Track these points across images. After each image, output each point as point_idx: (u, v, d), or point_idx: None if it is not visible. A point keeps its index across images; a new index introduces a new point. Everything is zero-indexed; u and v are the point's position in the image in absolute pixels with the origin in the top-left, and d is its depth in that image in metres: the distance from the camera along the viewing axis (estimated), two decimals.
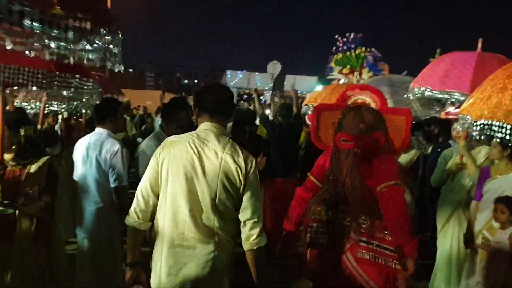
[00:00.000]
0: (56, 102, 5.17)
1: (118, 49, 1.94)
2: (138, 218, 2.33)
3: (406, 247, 2.76)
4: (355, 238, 2.91)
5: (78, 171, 3.62)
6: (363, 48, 16.85)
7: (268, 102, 25.71)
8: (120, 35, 1.80)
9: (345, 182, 2.91)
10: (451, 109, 5.08)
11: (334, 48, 18.54)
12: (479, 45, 4.31)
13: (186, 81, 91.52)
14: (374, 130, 2.88)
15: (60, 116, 6.26)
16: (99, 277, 3.51)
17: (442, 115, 5.36)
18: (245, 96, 34.85)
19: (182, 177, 2.26)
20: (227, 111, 2.43)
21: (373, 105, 3.07)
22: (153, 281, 2.35)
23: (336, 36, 18.14)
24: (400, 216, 2.77)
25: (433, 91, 3.97)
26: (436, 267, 4.39)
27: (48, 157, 3.01)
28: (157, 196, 2.33)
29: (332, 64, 17.83)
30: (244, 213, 2.29)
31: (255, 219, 2.28)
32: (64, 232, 5.38)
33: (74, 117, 6.68)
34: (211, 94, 2.40)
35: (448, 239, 4.27)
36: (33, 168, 2.89)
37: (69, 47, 1.83)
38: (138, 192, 2.37)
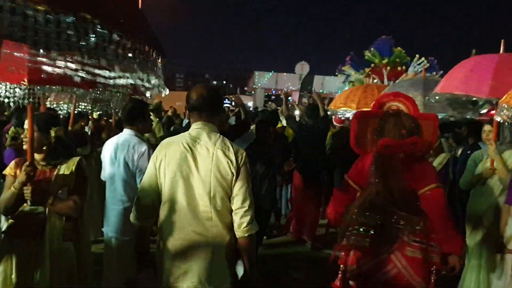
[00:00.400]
0: (85, 104, 5.27)
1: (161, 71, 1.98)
2: (140, 215, 2.55)
3: (451, 244, 2.91)
4: (408, 239, 2.98)
5: (106, 171, 3.69)
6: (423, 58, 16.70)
7: (296, 103, 25.63)
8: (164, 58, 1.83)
9: (390, 186, 2.97)
10: (483, 111, 4.95)
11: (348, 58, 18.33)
12: (502, 46, 4.18)
13: (214, 82, 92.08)
14: (413, 135, 2.97)
15: (90, 117, 6.40)
16: (125, 276, 3.56)
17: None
18: (273, 97, 34.77)
19: (179, 175, 2.42)
20: (212, 108, 2.56)
21: (405, 111, 3.19)
22: (159, 272, 2.53)
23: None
24: (445, 216, 2.94)
25: (454, 96, 3.87)
26: (465, 272, 4.29)
27: (78, 157, 3.06)
28: (157, 195, 2.50)
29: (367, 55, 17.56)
30: (235, 202, 2.43)
31: (245, 208, 2.41)
32: (92, 231, 5.53)
33: (104, 118, 6.83)
34: (195, 94, 2.55)
35: (478, 243, 4.16)
36: (62, 168, 2.94)
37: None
38: (139, 192, 2.58)
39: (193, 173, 2.42)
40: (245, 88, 37.13)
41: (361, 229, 2.99)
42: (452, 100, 4.21)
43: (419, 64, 16.85)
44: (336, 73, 19.63)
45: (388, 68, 17.31)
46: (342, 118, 7.35)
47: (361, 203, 3.05)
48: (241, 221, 2.42)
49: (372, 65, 17.78)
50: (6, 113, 6.56)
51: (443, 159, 5.13)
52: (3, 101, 2.91)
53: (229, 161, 2.42)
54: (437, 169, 5.06)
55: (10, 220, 2.89)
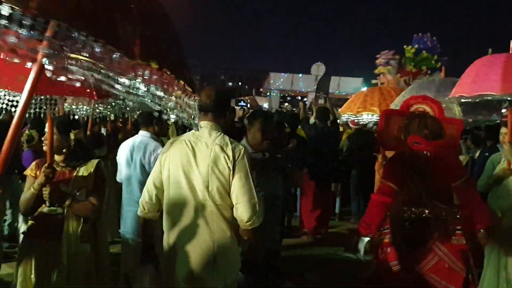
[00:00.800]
0: (103, 106, 5.33)
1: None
2: (145, 209, 2.67)
3: (485, 220, 3.20)
4: (452, 228, 3.21)
5: (122, 173, 3.73)
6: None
7: (312, 104, 25.55)
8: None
9: (428, 182, 3.20)
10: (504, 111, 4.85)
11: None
12: (511, 46, 4.12)
13: (230, 83, 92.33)
14: (436, 137, 3.18)
15: (107, 119, 6.46)
16: (142, 275, 3.59)
17: None
18: (288, 98, 34.73)
19: (181, 171, 2.54)
20: (218, 109, 2.68)
21: (431, 114, 3.39)
22: (163, 263, 2.67)
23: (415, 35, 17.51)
24: (480, 201, 3.30)
25: (465, 98, 3.81)
26: (483, 276, 4.23)
27: (97, 160, 3.09)
28: (161, 191, 2.63)
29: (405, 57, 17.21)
30: (234, 197, 2.51)
31: (243, 202, 2.48)
32: (109, 232, 5.58)
33: (120, 120, 6.90)
34: (203, 95, 2.68)
35: (496, 246, 4.09)
36: (81, 170, 2.98)
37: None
38: (145, 188, 2.71)
39: (193, 168, 2.52)
40: (261, 90, 37.14)
41: (406, 224, 3.25)
42: (469, 104, 4.15)
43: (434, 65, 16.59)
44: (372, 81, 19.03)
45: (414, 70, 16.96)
46: (366, 122, 7.24)
47: (404, 200, 3.24)
48: (241, 217, 2.50)
49: (411, 67, 17.26)
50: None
51: (462, 161, 5.07)
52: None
53: (226, 156, 2.51)
54: None
55: (30, 221, 2.94)
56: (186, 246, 2.54)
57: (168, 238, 2.63)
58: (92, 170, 2.99)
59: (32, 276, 2.81)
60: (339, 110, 8.15)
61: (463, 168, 3.38)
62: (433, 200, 3.21)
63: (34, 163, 3.01)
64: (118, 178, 3.80)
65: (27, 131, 4.47)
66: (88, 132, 5.20)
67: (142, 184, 3.61)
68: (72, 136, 2.98)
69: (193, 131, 2.68)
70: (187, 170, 2.53)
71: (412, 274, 3.22)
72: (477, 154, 6.14)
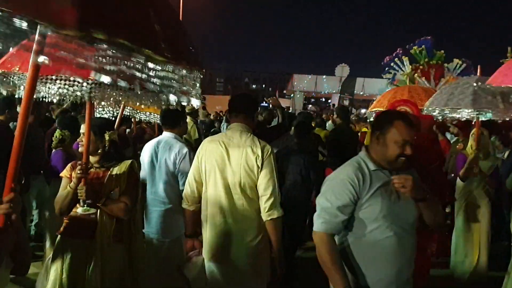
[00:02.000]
0: (129, 108, 5.39)
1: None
2: (189, 202, 3.07)
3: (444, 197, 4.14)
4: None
5: (147, 173, 3.75)
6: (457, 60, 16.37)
7: (336, 105, 25.38)
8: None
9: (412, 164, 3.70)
10: None
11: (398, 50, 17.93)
12: None
13: (254, 86, 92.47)
14: (417, 131, 3.59)
15: (132, 120, 6.53)
16: (164, 277, 3.62)
17: None
18: (312, 100, 34.60)
19: (216, 168, 2.93)
20: (248, 112, 3.08)
21: (411, 113, 3.97)
22: (204, 249, 3.03)
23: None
24: (446, 182, 4.33)
25: (493, 87, 3.80)
26: (508, 276, 4.12)
27: (130, 160, 3.13)
28: (201, 185, 3.02)
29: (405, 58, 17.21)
30: (259, 190, 2.88)
31: (268, 195, 2.85)
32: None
33: (147, 121, 6.96)
34: (234, 101, 3.14)
35: None
36: (115, 170, 3.02)
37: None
38: (186, 183, 3.11)
39: (227, 166, 2.91)
40: (284, 91, 37.07)
41: None
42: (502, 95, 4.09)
43: (458, 67, 16.46)
44: (382, 75, 19.16)
45: (434, 69, 16.85)
46: None
47: None
48: (264, 206, 2.86)
49: (420, 66, 17.26)
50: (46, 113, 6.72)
51: (493, 162, 4.94)
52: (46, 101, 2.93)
53: (256, 156, 2.88)
54: (488, 173, 4.87)
55: (65, 221, 2.98)
56: (222, 231, 2.92)
57: (206, 226, 2.99)
58: (125, 170, 3.02)
59: (64, 276, 2.84)
60: (369, 108, 7.98)
61: (438, 155, 4.15)
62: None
63: (69, 165, 3.07)
64: (141, 179, 3.83)
65: (58, 131, 4.55)
66: (116, 131, 5.26)
67: (166, 184, 3.63)
68: (107, 137, 3.02)
69: (225, 132, 3.05)
70: (221, 168, 2.91)
71: None
72: (506, 154, 5.99)
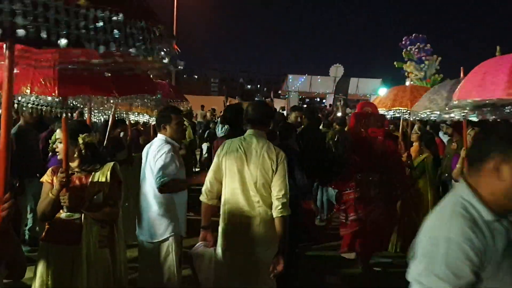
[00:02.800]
0: (123, 110, 5.38)
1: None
2: (207, 197, 3.35)
3: (402, 184, 5.46)
4: (394, 194, 5.49)
5: (141, 175, 3.77)
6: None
7: (331, 105, 25.38)
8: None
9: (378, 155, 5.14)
10: None
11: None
12: None
13: (249, 86, 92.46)
14: (379, 127, 5.26)
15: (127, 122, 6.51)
16: (158, 278, 3.62)
17: None
18: (307, 100, 34.64)
19: (235, 168, 3.25)
20: (264, 122, 3.45)
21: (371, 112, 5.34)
22: (220, 239, 3.30)
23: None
24: (403, 170, 5.61)
25: (470, 102, 3.67)
26: None
27: (112, 163, 3.11)
28: (220, 182, 3.32)
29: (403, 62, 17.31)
30: (273, 190, 3.22)
31: (280, 196, 3.18)
32: (130, 236, 5.62)
33: (143, 123, 6.95)
34: (252, 109, 3.44)
35: None
36: (97, 174, 3.00)
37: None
38: (206, 179, 3.38)
39: (245, 168, 3.24)
40: (279, 92, 37.09)
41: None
42: (476, 106, 4.02)
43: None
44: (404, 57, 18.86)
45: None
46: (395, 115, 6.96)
47: (363, 168, 5.18)
48: (276, 205, 3.19)
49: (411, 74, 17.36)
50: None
51: None
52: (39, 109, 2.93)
53: (271, 161, 3.23)
54: None
55: (47, 227, 2.96)
56: (239, 225, 3.23)
57: (224, 218, 3.29)
58: (108, 173, 3.00)
59: (49, 282, 2.83)
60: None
61: (396, 146, 5.46)
62: (381, 169, 5.14)
63: (50, 169, 3.03)
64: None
65: (55, 135, 4.53)
66: (108, 133, 5.24)
67: (152, 185, 3.60)
68: (80, 140, 2.97)
69: (244, 136, 3.37)
70: (240, 169, 3.24)
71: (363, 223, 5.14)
72: None
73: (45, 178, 3.00)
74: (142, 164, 3.79)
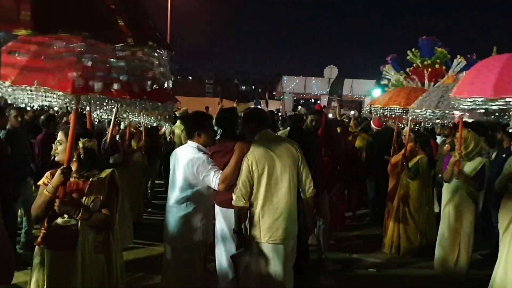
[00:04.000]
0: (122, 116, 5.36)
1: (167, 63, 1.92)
2: (244, 200, 3.54)
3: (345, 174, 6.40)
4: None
5: (170, 182, 3.75)
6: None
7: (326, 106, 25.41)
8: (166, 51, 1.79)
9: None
10: None
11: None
12: None
13: (243, 87, 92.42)
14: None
15: (122, 125, 6.49)
16: (181, 282, 3.62)
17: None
18: (302, 101, 34.70)
19: (266, 167, 3.52)
20: (271, 123, 3.79)
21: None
22: (261, 234, 3.53)
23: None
24: (346, 162, 6.39)
25: (461, 100, 3.72)
26: (494, 275, 4.20)
27: (110, 169, 3.08)
28: (252, 185, 3.55)
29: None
30: (304, 177, 3.67)
31: (308, 180, 3.69)
32: (126, 239, 5.62)
33: (137, 126, 6.92)
34: (261, 115, 3.85)
35: (506, 244, 4.06)
36: (95, 180, 2.97)
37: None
38: (240, 184, 3.54)
39: (276, 163, 3.54)
40: (274, 93, 37.14)
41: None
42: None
43: (458, 65, 16.40)
44: (382, 76, 19.17)
45: (429, 69, 16.87)
46: (388, 115, 6.97)
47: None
48: (307, 187, 3.68)
49: (414, 65, 17.33)
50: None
51: (478, 164, 4.93)
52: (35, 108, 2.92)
53: (297, 151, 3.66)
54: (470, 175, 4.87)
55: (42, 232, 2.90)
56: (275, 217, 3.52)
57: (262, 214, 3.53)
58: (106, 180, 2.97)
59: (45, 287, 2.81)
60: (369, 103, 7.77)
61: (340, 139, 6.42)
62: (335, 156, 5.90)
63: (48, 172, 2.99)
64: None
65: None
66: (108, 139, 5.20)
67: (182, 191, 3.59)
68: (80, 144, 2.95)
69: (265, 137, 3.67)
70: (272, 166, 3.53)
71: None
72: (493, 156, 6.08)
73: (43, 180, 2.95)
74: (171, 168, 3.76)
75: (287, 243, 3.60)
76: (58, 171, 2.76)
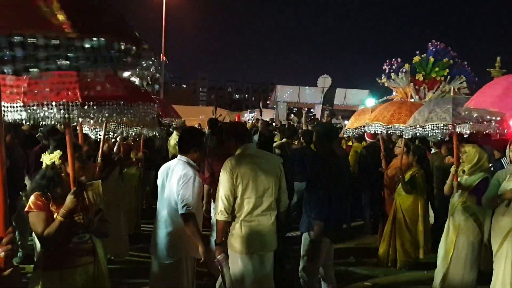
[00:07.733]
0: (115, 126, 5.34)
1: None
2: (227, 214, 3.53)
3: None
4: None
5: (158, 195, 3.74)
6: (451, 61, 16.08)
7: (318, 116, 25.48)
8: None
9: None
10: None
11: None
12: None
13: (237, 96, 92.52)
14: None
15: (118, 138, 6.47)
16: None
17: None
18: (295, 110, 34.80)
19: (250, 179, 3.56)
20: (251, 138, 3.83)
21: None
22: (241, 245, 3.57)
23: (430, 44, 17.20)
24: None
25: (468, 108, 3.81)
26: (495, 274, 4.16)
27: (99, 181, 3.17)
28: (235, 198, 3.57)
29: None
30: (282, 189, 3.77)
31: (284, 195, 3.81)
32: (124, 249, 5.60)
33: (135, 138, 6.89)
34: (247, 132, 4.02)
35: (502, 264, 4.04)
36: (90, 192, 3.03)
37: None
38: (222, 198, 3.53)
39: (259, 176, 3.60)
40: (268, 102, 37.24)
41: None
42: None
43: (461, 83, 16.24)
44: (379, 81, 18.74)
45: (424, 85, 16.64)
46: (372, 132, 6.90)
47: None
48: (282, 202, 3.80)
49: (419, 76, 16.88)
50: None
51: (477, 178, 4.77)
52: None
53: (278, 165, 3.80)
54: (469, 188, 4.80)
55: (54, 254, 2.87)
56: (255, 227, 3.59)
57: (243, 227, 3.57)
58: (99, 190, 3.08)
59: None
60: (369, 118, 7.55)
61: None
62: None
63: (33, 197, 2.86)
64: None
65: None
66: (100, 152, 5.18)
67: (169, 207, 3.59)
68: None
69: (251, 151, 3.73)
70: (254, 178, 3.58)
71: None
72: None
73: (34, 204, 2.84)
74: (159, 183, 3.75)
75: (267, 254, 3.68)
76: (70, 196, 2.76)
